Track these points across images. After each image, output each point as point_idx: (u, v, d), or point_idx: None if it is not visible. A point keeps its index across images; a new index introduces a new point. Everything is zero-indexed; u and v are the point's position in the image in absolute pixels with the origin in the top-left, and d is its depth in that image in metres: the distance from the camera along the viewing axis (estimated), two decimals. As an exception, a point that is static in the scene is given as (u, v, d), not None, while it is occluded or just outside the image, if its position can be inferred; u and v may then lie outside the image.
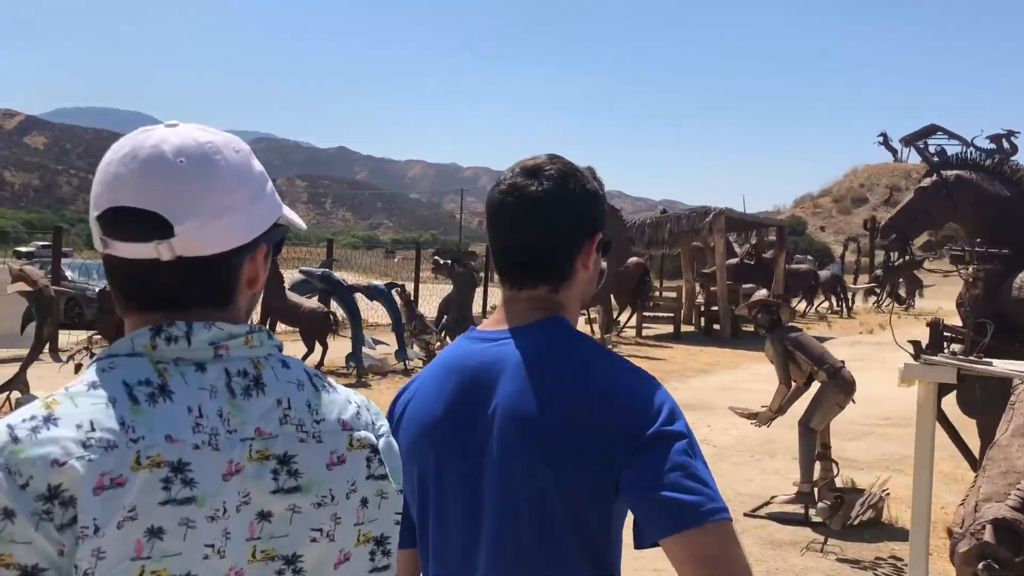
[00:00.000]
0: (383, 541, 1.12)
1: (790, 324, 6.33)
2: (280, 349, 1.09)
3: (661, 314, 19.45)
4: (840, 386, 6.04)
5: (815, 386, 6.23)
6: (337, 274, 12.54)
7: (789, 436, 9.03)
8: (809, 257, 29.71)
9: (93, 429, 0.92)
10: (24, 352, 8.48)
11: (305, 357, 11.09)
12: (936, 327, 5.48)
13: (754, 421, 6.38)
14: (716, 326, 19.60)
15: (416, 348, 12.63)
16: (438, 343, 13.37)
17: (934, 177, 5.73)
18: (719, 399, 11.17)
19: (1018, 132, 57.58)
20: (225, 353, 1.02)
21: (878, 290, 30.65)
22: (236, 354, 1.02)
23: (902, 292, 30.87)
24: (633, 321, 18.70)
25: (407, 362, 12.25)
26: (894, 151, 61.15)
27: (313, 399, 1.07)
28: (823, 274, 26.35)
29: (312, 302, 11.40)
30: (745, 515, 6.14)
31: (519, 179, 1.42)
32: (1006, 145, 57.59)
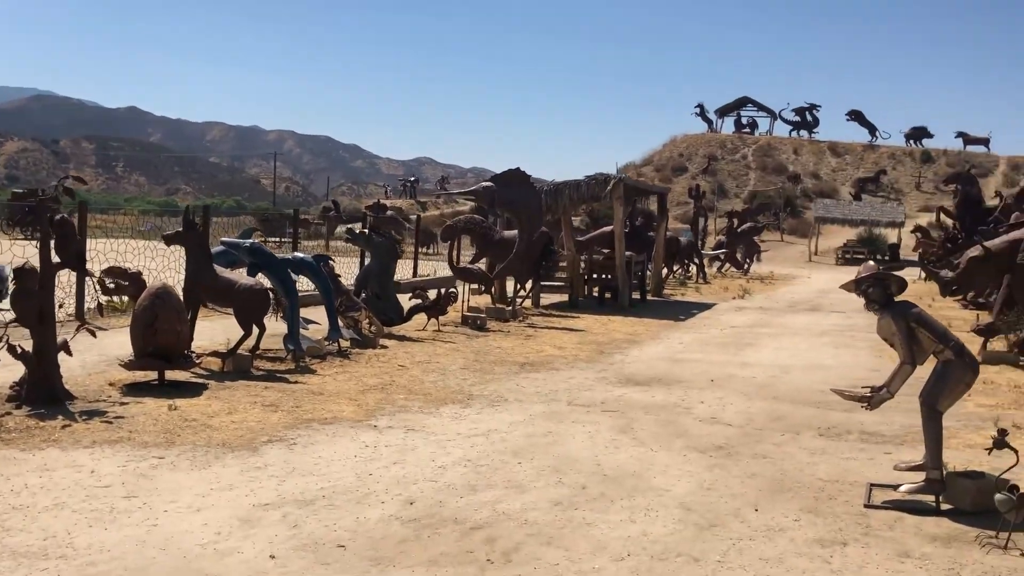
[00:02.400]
0: None
1: (906, 299, 5.89)
2: None
3: (552, 283, 18.99)
4: (969, 364, 5.67)
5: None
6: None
7: (782, 408, 8.76)
8: (682, 227, 30.37)
9: None
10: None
11: (241, 341, 9.66)
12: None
13: (865, 405, 5.90)
14: (608, 295, 19.39)
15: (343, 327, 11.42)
16: (366, 320, 12.20)
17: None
18: (681, 372, 10.79)
19: (820, 106, 61.86)
20: None
21: (722, 256, 31.82)
22: None
23: (739, 257, 32.21)
24: (529, 293, 18.10)
25: (340, 341, 11.04)
26: (709, 122, 64.07)
27: None
28: (682, 240, 26.88)
29: (249, 278, 9.93)
30: (866, 507, 5.68)
31: None
32: (809, 118, 61.76)
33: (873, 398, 5.85)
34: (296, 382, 9.12)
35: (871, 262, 6.14)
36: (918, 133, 59.08)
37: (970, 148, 57.90)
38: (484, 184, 15.83)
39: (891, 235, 42.67)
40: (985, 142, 58.10)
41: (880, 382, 5.90)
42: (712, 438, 7.54)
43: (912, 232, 37.34)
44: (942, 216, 24.45)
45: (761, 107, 63.75)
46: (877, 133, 59.51)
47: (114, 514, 5.05)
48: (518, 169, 15.96)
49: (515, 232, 16.16)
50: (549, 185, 17.98)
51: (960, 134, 58.38)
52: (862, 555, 4.80)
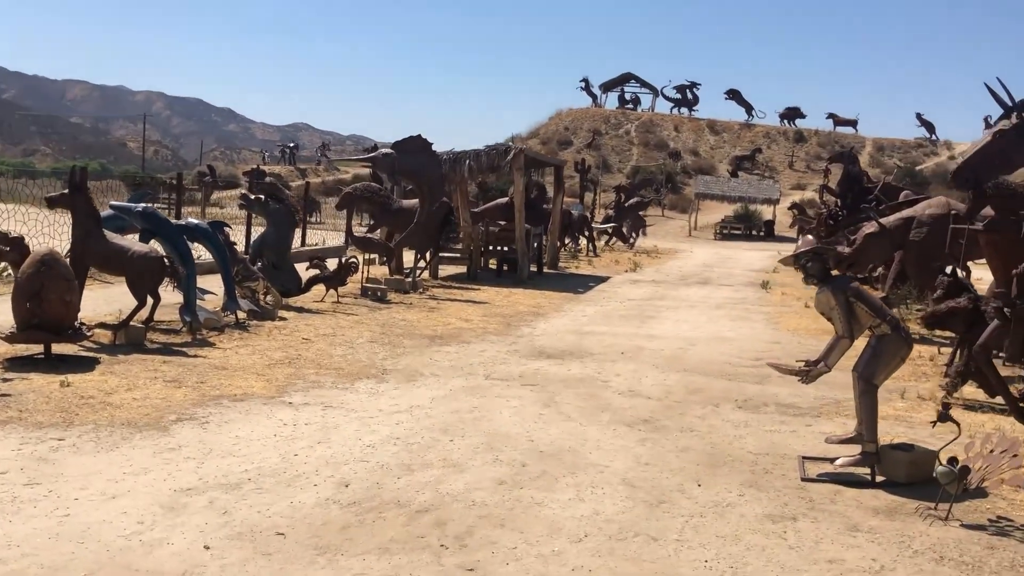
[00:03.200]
0: None
1: (847, 274, 5.92)
2: None
3: (449, 255, 18.71)
4: (904, 339, 5.75)
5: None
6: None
7: (697, 381, 8.82)
8: (570, 200, 30.45)
9: None
10: None
11: (135, 312, 9.00)
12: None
13: (801, 379, 5.92)
14: (506, 267, 19.27)
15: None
16: (264, 290, 11.63)
17: (1013, 119, 5.52)
18: (591, 345, 10.75)
19: (700, 84, 63.28)
20: None
21: (610, 230, 32.18)
22: None
23: (625, 231, 32.68)
24: (428, 264, 17.75)
25: (238, 313, 10.47)
26: (594, 96, 64.62)
27: None
28: (574, 214, 26.98)
29: (143, 245, 9.23)
30: (804, 480, 5.71)
31: None
32: (689, 96, 63.14)
33: (811, 372, 5.88)
34: (196, 356, 8.56)
35: (809, 236, 6.15)
36: (792, 113, 61.27)
37: (840, 129, 60.49)
38: (384, 151, 15.32)
39: (767, 212, 44.22)
40: (853, 124, 60.81)
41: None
42: (636, 411, 7.49)
43: (788, 210, 38.83)
44: (825, 194, 25.34)
45: (644, 83, 64.77)
46: (754, 112, 61.39)
47: (17, 504, 4.54)
48: (419, 136, 15.53)
49: (414, 202, 15.76)
50: (449, 154, 17.60)
51: (831, 115, 60.89)
52: (814, 530, 4.80)
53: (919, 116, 61.27)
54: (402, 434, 6.34)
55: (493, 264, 19.95)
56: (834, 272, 5.90)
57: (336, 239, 23.09)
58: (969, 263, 12.18)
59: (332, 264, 13.53)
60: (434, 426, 6.61)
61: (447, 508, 4.84)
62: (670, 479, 5.61)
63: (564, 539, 4.48)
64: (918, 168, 52.93)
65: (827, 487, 5.60)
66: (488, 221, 20.45)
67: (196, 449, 5.68)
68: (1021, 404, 6.63)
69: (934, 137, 60.74)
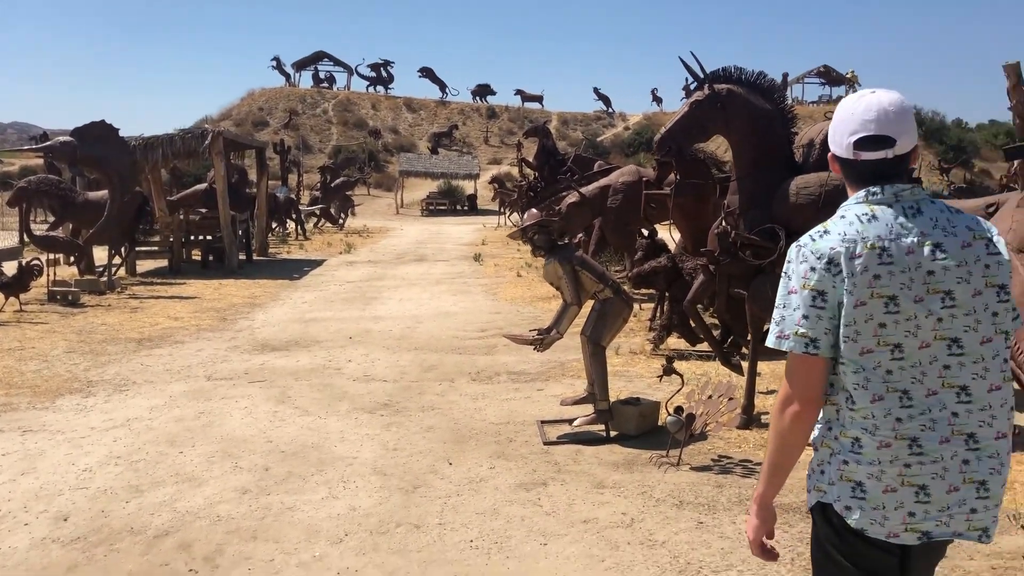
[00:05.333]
0: (1003, 288, 2.13)
1: (569, 243, 6.15)
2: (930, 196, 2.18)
3: (147, 248, 17.35)
4: (626, 301, 6.09)
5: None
6: None
7: (429, 358, 8.90)
8: (274, 183, 29.21)
9: (845, 235, 2.11)
10: None
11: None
12: (725, 236, 5.80)
13: (536, 347, 6.09)
14: (212, 257, 18.20)
15: None
16: None
17: (706, 90, 5.96)
18: (316, 332, 10.44)
19: (393, 62, 63.50)
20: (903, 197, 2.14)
21: (318, 212, 31.52)
22: (907, 196, 2.14)
23: (334, 212, 32.21)
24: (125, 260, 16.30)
25: None
26: (287, 75, 62.60)
27: (949, 215, 2.15)
28: (279, 197, 26.06)
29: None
30: (546, 444, 5.90)
31: None
32: (384, 74, 63.17)
33: (544, 339, 6.07)
34: None
35: (534, 210, 6.33)
36: (483, 90, 63.30)
37: (528, 105, 63.47)
38: (62, 139, 13.77)
39: (468, 187, 45.53)
40: (540, 99, 64.04)
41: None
42: (374, 396, 7.36)
43: (489, 183, 40.24)
44: (524, 167, 26.46)
45: (337, 62, 63.80)
46: (447, 90, 62.73)
47: None
48: (103, 122, 14.12)
49: (103, 193, 14.36)
50: (139, 140, 16.20)
51: (519, 92, 63.66)
52: (565, 492, 4.97)
53: (596, 90, 65.83)
54: (123, 452, 5.74)
55: (198, 255, 18.78)
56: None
57: (10, 239, 20.56)
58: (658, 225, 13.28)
59: (10, 269, 12.00)
60: (158, 439, 6.06)
61: (189, 528, 4.44)
62: (421, 461, 5.56)
63: (324, 542, 4.28)
64: (599, 139, 56.99)
65: (568, 448, 5.83)
66: (188, 210, 19.17)
67: None
68: (724, 349, 7.31)
69: (611, 110, 65.57)
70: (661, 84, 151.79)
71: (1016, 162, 6.32)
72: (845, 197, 2.25)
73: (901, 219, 2.10)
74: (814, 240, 2.14)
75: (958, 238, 2.09)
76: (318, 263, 19.40)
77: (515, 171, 40.67)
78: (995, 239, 2.13)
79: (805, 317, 2.09)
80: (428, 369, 8.47)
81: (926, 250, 2.07)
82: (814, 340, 2.08)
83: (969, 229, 2.11)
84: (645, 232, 11.25)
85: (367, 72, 62.45)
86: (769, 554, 2.30)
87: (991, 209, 5.79)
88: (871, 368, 2.08)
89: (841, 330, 2.09)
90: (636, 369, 8.34)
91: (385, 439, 6.07)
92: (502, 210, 33.99)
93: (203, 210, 19.69)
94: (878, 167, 2.15)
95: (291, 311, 12.25)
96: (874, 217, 2.11)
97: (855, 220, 2.12)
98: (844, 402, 2.13)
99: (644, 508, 4.70)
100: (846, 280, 2.07)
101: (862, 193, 2.16)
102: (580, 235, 15.33)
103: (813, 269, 2.10)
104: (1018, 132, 5.44)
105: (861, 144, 2.13)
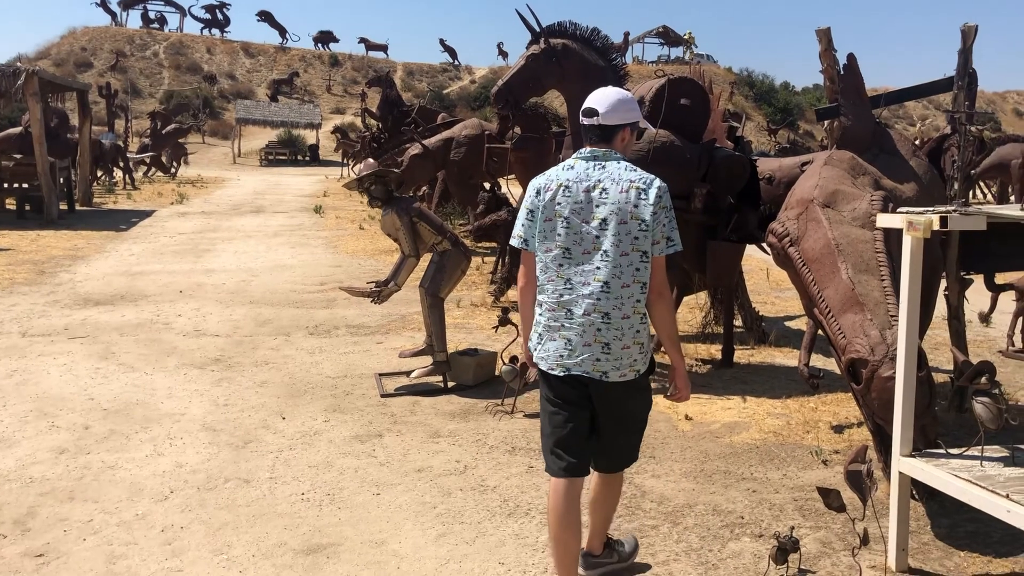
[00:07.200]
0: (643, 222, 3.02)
1: (407, 195, 6.10)
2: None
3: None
4: (464, 253, 6.12)
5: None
6: None
7: (265, 312, 8.70)
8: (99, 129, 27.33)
9: (549, 176, 3.15)
10: None
11: None
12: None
13: (373, 299, 6.04)
14: (28, 207, 16.97)
15: None
16: None
17: (542, 44, 5.99)
18: (144, 286, 9.99)
19: (230, 4, 60.54)
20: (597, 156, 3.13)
21: (148, 160, 29.92)
22: (601, 156, 3.12)
23: (164, 160, 30.68)
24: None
25: None
26: (113, 14, 58.63)
27: (624, 172, 3.07)
28: (105, 143, 24.51)
29: None
30: (383, 396, 5.90)
31: None
32: (220, 16, 60.16)
33: (382, 292, 6.03)
34: None
35: (371, 160, 6.22)
36: (325, 37, 61.37)
37: (372, 54, 62.10)
38: None
39: (310, 137, 44.31)
40: (384, 48, 62.77)
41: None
42: (205, 351, 7.14)
43: (332, 134, 39.25)
44: (367, 118, 25.95)
45: (169, 1, 60.20)
46: (287, 35, 60.43)
47: None
48: None
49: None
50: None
51: (362, 40, 62.13)
52: (400, 443, 4.99)
53: (442, 42, 65.11)
54: (-77, 415, 5.33)
55: (12, 204, 17.47)
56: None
57: None
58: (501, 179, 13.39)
59: None
60: (-35, 399, 5.66)
61: (-1, 491, 4.19)
62: (252, 416, 5.45)
63: (147, 500, 4.14)
64: (445, 92, 56.55)
65: (406, 400, 5.85)
66: (1, 155, 17.73)
67: None
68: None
69: (457, 62, 65.11)
70: (507, 38, 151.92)
71: (826, 122, 6.73)
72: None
73: (588, 171, 3.08)
74: (535, 178, 3.18)
75: (619, 185, 3.02)
76: (147, 214, 18.44)
77: (358, 121, 39.92)
78: (650, 189, 3.03)
79: (522, 225, 3.16)
80: (263, 323, 8.27)
81: (596, 193, 3.03)
82: (525, 240, 3.16)
83: (631, 181, 3.03)
84: (487, 186, 11.32)
85: (202, 14, 59.32)
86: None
87: (804, 166, 6.16)
88: (548, 261, 3.09)
89: (536, 235, 3.11)
90: (476, 321, 8.43)
91: (215, 395, 5.90)
92: (345, 161, 33.30)
93: (18, 156, 18.30)
94: (588, 130, 3.14)
95: (117, 264, 11.63)
96: (572, 167, 3.12)
97: (561, 168, 3.14)
98: (541, 283, 3.15)
99: (477, 455, 4.80)
100: (541, 203, 3.09)
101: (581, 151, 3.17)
102: (424, 187, 15.26)
103: (529, 195, 3.16)
104: (828, 94, 5.79)
105: (583, 113, 3.16)
